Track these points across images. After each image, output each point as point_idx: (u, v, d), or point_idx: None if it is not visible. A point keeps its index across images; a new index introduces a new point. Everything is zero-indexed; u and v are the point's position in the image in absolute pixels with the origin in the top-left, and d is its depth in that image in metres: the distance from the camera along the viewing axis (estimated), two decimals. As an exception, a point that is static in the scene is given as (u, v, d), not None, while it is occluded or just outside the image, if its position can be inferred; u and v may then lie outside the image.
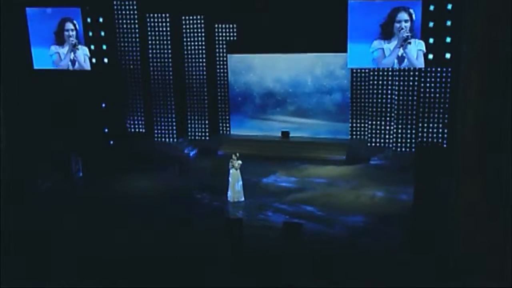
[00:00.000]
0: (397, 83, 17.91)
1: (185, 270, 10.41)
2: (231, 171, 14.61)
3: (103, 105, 19.31)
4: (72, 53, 18.06)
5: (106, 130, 19.56)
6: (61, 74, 18.62)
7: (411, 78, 17.54)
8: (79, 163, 17.30)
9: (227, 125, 21.30)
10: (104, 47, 18.68)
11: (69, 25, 18.00)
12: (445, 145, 16.90)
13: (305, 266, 10.42)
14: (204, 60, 20.23)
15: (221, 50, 20.63)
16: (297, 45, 19.04)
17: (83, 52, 18.24)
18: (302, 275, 9.99)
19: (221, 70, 20.80)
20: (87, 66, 18.37)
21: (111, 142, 19.64)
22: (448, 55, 16.18)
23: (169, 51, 19.79)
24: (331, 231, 12.51)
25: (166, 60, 19.86)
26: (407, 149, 18.08)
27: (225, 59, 20.67)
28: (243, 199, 14.66)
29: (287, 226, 12.33)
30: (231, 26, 20.31)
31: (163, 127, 20.44)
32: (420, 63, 16.44)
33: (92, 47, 18.35)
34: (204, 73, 20.33)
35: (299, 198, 14.75)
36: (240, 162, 14.58)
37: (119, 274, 10.14)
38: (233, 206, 14.40)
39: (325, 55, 19.45)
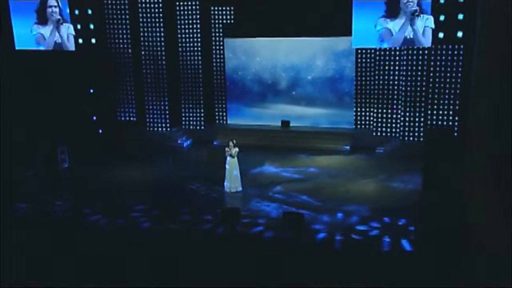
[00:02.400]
0: (404, 67, 17.60)
1: (179, 263, 10.28)
2: (227, 159, 14.36)
3: (91, 90, 19.08)
4: (56, 32, 17.61)
5: (94, 117, 19.30)
6: (44, 55, 18.20)
7: (420, 62, 17.18)
8: (65, 152, 17.00)
9: (224, 114, 21.00)
10: (92, 26, 18.32)
11: (52, 1, 17.52)
12: (455, 134, 16.62)
13: (305, 262, 10.32)
14: (199, 44, 19.92)
15: (217, 34, 20.29)
16: (298, 28, 18.71)
17: (67, 31, 17.80)
18: (302, 271, 9.88)
19: (217, 55, 20.44)
20: (72, 46, 17.95)
21: (100, 131, 19.38)
22: (460, 34, 15.80)
23: (162, 34, 19.46)
24: (332, 223, 12.32)
25: (158, 43, 19.54)
26: (415, 138, 17.80)
27: (221, 43, 20.30)
28: (240, 189, 14.43)
29: (287, 216, 12.16)
30: (228, 8, 19.94)
31: (155, 116, 20.20)
32: (427, 41, 16.06)
33: (79, 26, 17.95)
34: (199, 58, 19.96)
35: (299, 189, 14.55)
36: (237, 149, 14.33)
37: (110, 269, 10.04)
38: (230, 197, 14.22)
39: (328, 39, 19.16)
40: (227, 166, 14.37)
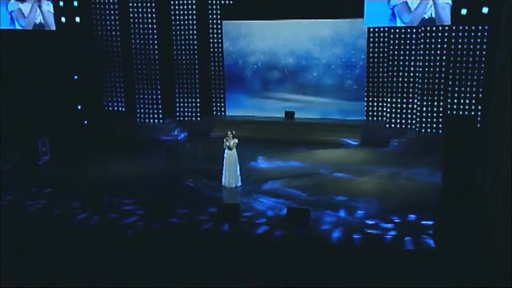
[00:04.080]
0: (421, 51, 17.26)
1: (173, 263, 10.22)
2: (225, 152, 14.18)
3: (75, 77, 18.81)
4: (38, 8, 17.31)
5: (79, 107, 19.08)
6: (22, 36, 17.90)
7: (439, 46, 16.81)
8: (47, 144, 16.83)
9: (222, 104, 20.85)
10: (76, 3, 18.04)
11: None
12: (479, 125, 16.32)
13: (308, 262, 10.25)
14: (195, 27, 19.77)
15: (214, 16, 20.11)
16: (304, 9, 18.55)
17: (49, 8, 17.56)
18: (305, 272, 9.78)
19: (215, 40, 20.29)
20: (53, 25, 17.70)
21: (85, 122, 19.22)
22: (485, 10, 15.35)
23: (154, 15, 19.24)
24: (339, 220, 12.17)
25: (150, 26, 19.31)
26: (433, 130, 17.54)
27: (219, 26, 20.12)
28: (240, 184, 14.29)
29: (292, 212, 12.04)
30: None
31: (146, 106, 20.00)
32: (447, 19, 15.74)
33: (61, 3, 17.67)
34: (195, 42, 19.85)
35: (304, 184, 14.43)
36: (236, 141, 14.17)
37: (97, 269, 9.96)
38: (229, 192, 14.08)
39: (337, 21, 18.94)
40: (225, 160, 14.18)
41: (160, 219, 12.23)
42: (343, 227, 11.68)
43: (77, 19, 18.25)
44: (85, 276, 9.65)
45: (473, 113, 16.86)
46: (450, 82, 16.99)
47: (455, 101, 17.02)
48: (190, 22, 19.69)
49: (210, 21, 20.14)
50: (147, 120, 20.11)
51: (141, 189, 14.37)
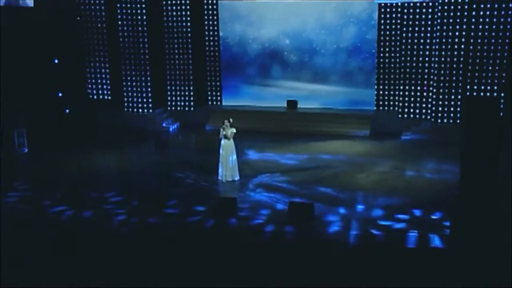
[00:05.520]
0: (438, 33, 16.90)
1: (164, 262, 10.04)
2: (222, 142, 13.91)
3: (56, 60, 18.63)
4: None
5: (60, 94, 18.94)
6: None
7: (457, 26, 16.45)
8: (24, 135, 16.74)
9: (218, 93, 20.86)
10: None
11: None
12: (502, 113, 15.97)
13: (312, 260, 10.12)
14: (188, 7, 19.60)
15: (210, -5, 20.04)
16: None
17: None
18: (307, 271, 9.63)
19: (210, 22, 20.18)
20: (31, 1, 17.49)
21: (67, 111, 19.11)
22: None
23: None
24: (345, 217, 11.95)
25: (139, 5, 19.14)
26: (451, 120, 17.33)
27: (215, 7, 20.04)
28: (237, 177, 14.04)
29: (294, 207, 11.83)
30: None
31: (135, 94, 19.92)
32: None
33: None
34: (189, 24, 19.67)
35: (307, 178, 14.36)
36: (233, 130, 13.91)
37: (80, 268, 9.71)
38: (225, 186, 13.83)
39: (343, 1, 18.88)
40: (221, 151, 13.96)
41: (149, 215, 11.97)
42: (345, 224, 11.50)
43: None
44: (67, 276, 9.37)
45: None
46: (470, 67, 16.69)
47: (475, 87, 16.69)
48: (183, 1, 19.50)
49: (205, 1, 20.02)
50: (135, 110, 20.02)
51: (128, 184, 14.24)
